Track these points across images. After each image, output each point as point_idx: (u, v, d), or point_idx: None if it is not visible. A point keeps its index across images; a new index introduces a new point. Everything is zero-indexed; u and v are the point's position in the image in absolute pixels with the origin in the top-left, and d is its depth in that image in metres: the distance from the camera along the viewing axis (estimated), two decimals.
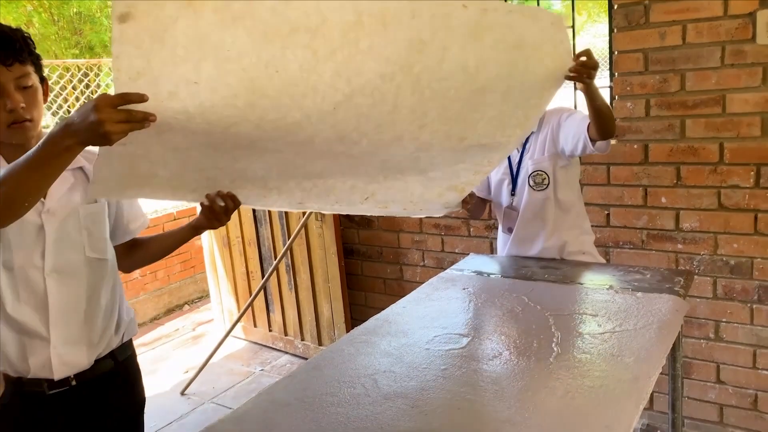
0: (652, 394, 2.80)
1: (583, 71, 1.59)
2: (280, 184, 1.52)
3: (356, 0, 1.14)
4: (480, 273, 2.15)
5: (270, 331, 3.93)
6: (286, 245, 3.50)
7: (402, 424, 1.25)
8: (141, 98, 1.00)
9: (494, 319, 1.76)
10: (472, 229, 3.14)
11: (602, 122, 1.82)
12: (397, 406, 1.32)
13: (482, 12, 1.32)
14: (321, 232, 3.46)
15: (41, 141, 1.08)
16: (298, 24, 1.09)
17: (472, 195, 2.07)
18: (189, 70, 1.03)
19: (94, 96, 1.01)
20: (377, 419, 1.27)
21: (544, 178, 2.13)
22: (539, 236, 2.20)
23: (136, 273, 4.96)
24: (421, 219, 3.34)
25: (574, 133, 1.98)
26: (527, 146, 2.15)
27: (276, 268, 3.65)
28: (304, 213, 3.46)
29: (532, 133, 2.10)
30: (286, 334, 3.84)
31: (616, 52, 2.57)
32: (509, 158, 2.18)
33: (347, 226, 3.61)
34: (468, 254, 2.45)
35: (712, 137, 2.46)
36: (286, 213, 3.58)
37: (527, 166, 2.14)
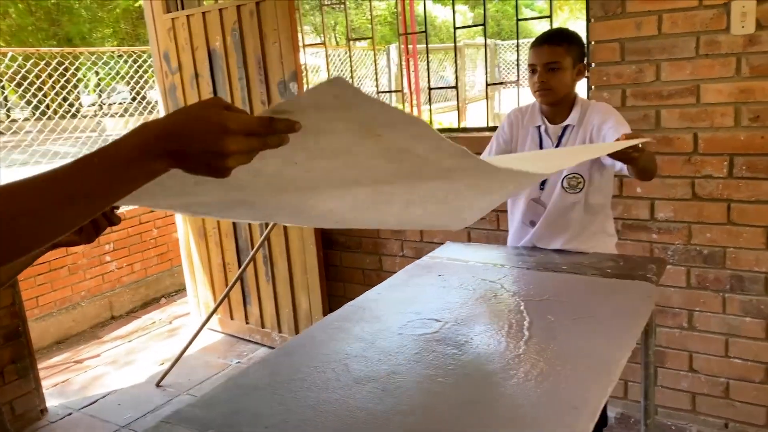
0: (626, 384, 2.82)
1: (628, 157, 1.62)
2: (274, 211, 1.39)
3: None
4: (455, 260, 2.14)
5: (247, 323, 3.90)
6: (264, 235, 3.47)
7: (370, 406, 1.24)
8: (292, 128, 0.75)
9: (467, 305, 1.75)
10: None
11: (646, 176, 1.89)
12: (366, 390, 1.31)
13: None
14: None
15: (96, 156, 0.71)
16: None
17: None
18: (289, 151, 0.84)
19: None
20: (346, 402, 1.26)
21: (580, 182, 2.04)
22: (562, 236, 2.12)
23: (112, 265, 4.90)
24: None
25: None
26: (563, 140, 2.05)
27: (253, 259, 3.62)
28: None
29: (569, 126, 2.03)
30: (263, 326, 3.81)
31: (593, 42, 2.58)
32: (540, 148, 2.09)
33: None
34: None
35: (686, 127, 2.47)
36: None
37: None
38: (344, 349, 1.52)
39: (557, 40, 1.98)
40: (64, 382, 3.68)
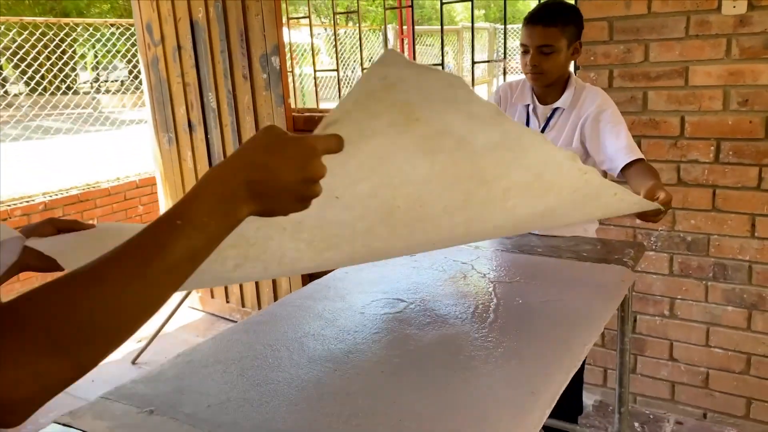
0: (605, 371, 2.78)
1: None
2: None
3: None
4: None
5: (227, 302, 3.85)
6: None
7: (320, 386, 1.19)
8: (339, 146, 0.74)
9: (435, 286, 1.69)
10: None
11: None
12: (319, 369, 1.25)
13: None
14: None
15: (175, 216, 0.63)
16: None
17: None
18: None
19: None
20: (294, 381, 1.21)
21: None
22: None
23: None
24: None
25: (609, 160, 1.83)
26: (551, 122, 1.95)
27: None
28: None
29: (558, 109, 1.94)
30: (243, 305, 3.76)
31: None
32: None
33: None
34: None
35: (673, 110, 2.41)
36: None
37: None
38: (302, 328, 1.46)
39: (552, 19, 1.81)
40: None
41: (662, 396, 2.69)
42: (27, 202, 4.47)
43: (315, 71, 3.43)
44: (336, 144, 0.72)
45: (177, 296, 4.03)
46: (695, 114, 2.37)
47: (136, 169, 5.41)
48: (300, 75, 7.99)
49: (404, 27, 7.32)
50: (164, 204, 4.02)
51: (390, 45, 9.23)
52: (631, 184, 1.81)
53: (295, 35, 7.14)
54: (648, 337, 2.66)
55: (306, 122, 3.39)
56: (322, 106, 3.53)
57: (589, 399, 2.81)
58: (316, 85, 3.45)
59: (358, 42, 3.17)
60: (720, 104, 2.32)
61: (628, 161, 1.79)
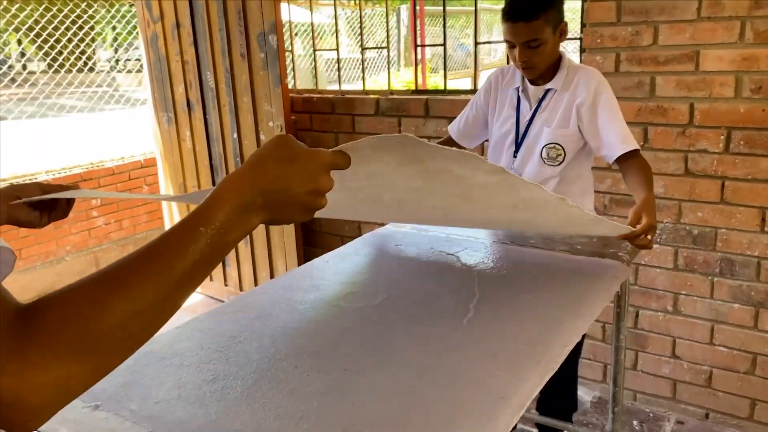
0: (605, 366, 2.69)
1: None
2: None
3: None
4: (419, 229, 2.00)
5: (226, 285, 3.81)
6: None
7: (276, 384, 1.11)
8: (347, 163, 0.78)
9: (417, 278, 1.61)
10: None
11: None
12: (279, 365, 1.18)
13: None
14: None
15: (199, 223, 0.64)
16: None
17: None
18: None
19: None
20: (251, 378, 1.13)
21: (560, 154, 1.84)
22: None
23: (100, 221, 4.82)
24: None
25: (605, 147, 1.78)
26: (543, 103, 1.85)
27: None
28: None
29: (551, 90, 1.83)
30: (241, 289, 3.71)
31: (587, 0, 2.38)
32: (517, 112, 1.89)
33: None
34: None
35: (682, 97, 2.28)
36: (242, 163, 3.41)
37: (542, 133, 1.85)
38: (271, 320, 1.39)
39: (532, 11, 1.69)
40: None
41: (663, 394, 2.60)
42: (30, 179, 4.45)
43: (314, 51, 3.33)
44: (344, 161, 0.76)
45: None
46: (705, 101, 2.25)
47: (142, 149, 5.37)
48: (307, 56, 7.86)
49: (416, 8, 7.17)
50: (164, 184, 3.97)
51: (404, 25, 9.07)
52: (626, 180, 1.77)
53: (315, 16, 7.02)
54: (650, 332, 2.56)
55: (304, 103, 3.31)
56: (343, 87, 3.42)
57: (587, 395, 2.72)
58: (315, 65, 3.36)
59: (378, 22, 3.06)
60: (732, 91, 2.19)
61: (624, 152, 1.75)
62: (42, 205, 1.12)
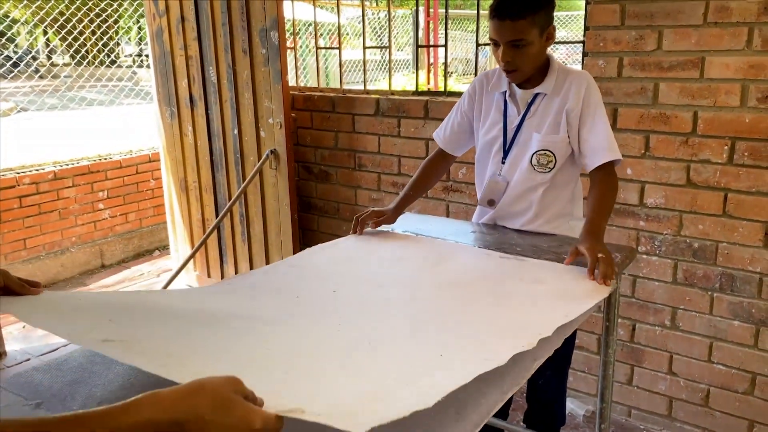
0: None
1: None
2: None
3: None
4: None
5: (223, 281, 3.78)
6: (240, 188, 3.32)
7: None
8: (278, 428, 0.76)
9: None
10: (429, 191, 2.93)
11: None
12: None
13: None
14: (275, 182, 3.27)
15: (95, 425, 0.64)
16: None
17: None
18: None
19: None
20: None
21: (551, 160, 1.77)
22: (522, 217, 1.89)
23: (105, 213, 4.83)
24: (379, 176, 3.13)
25: (591, 154, 1.73)
26: (532, 107, 1.77)
27: (231, 218, 3.48)
28: (259, 158, 3.26)
29: (539, 94, 1.76)
30: None
31: (591, 2, 2.31)
32: (504, 117, 1.81)
33: (305, 178, 3.41)
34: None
35: (686, 104, 2.20)
36: (242, 159, 3.39)
37: (531, 139, 1.78)
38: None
39: (519, 11, 1.62)
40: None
41: (658, 411, 2.51)
42: (36, 170, 4.47)
43: (317, 49, 3.29)
44: (276, 427, 0.73)
45: (180, 274, 3.99)
46: (710, 109, 2.17)
47: (151, 144, 5.38)
48: (332, 56, 7.85)
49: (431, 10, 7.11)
50: (166, 179, 3.95)
51: (421, 28, 9.01)
52: (589, 192, 1.74)
53: (326, 15, 7.01)
54: (646, 347, 2.48)
55: (305, 101, 3.27)
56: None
57: (580, 409, 2.65)
58: (317, 61, 3.32)
59: (403, 23, 3.01)
60: (737, 100, 2.11)
61: (607, 161, 1.71)
62: None
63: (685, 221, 2.29)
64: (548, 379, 1.99)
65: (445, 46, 2.85)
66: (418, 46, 3.29)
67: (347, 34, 8.61)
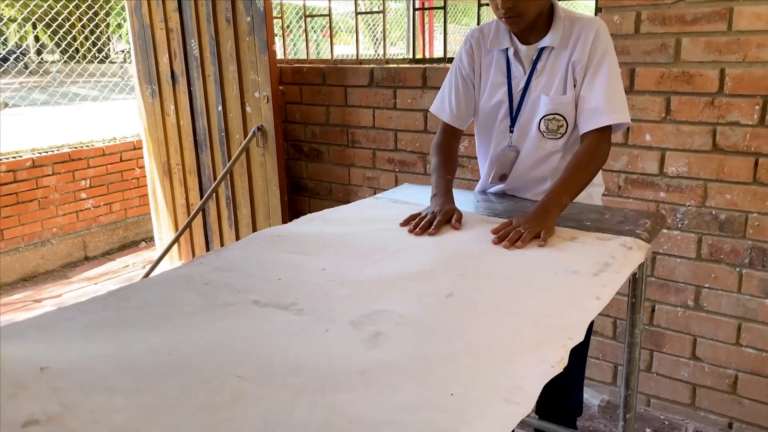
0: (615, 367, 2.41)
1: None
2: None
3: None
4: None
5: None
6: (226, 168, 3.10)
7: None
8: None
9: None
10: (428, 166, 2.72)
11: None
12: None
13: None
14: (263, 161, 3.05)
15: None
16: None
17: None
18: None
19: None
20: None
21: (562, 125, 1.56)
22: (537, 188, 1.68)
23: (88, 203, 4.61)
24: (374, 152, 2.92)
25: (591, 111, 1.52)
26: (539, 64, 1.56)
27: (216, 201, 3.26)
28: (246, 136, 3.05)
29: (545, 48, 1.54)
30: None
31: None
32: (509, 78, 1.59)
33: (295, 158, 3.20)
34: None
35: (712, 61, 2.00)
36: (227, 138, 3.17)
37: (540, 102, 1.58)
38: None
39: None
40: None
41: (681, 400, 2.31)
42: (14, 157, 4.24)
43: (305, 16, 3.08)
44: None
45: (165, 262, 3.78)
46: (738, 66, 1.96)
47: (136, 130, 5.15)
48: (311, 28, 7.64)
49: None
50: (148, 163, 3.74)
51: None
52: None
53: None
54: (667, 330, 2.28)
55: (294, 74, 3.05)
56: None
57: (594, 398, 2.45)
58: (306, 32, 3.10)
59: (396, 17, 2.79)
60: None
61: (610, 123, 1.51)
62: None
63: (711, 191, 2.09)
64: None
65: (444, 8, 2.63)
66: (414, 9, 3.05)
67: (339, 29, 8.38)
